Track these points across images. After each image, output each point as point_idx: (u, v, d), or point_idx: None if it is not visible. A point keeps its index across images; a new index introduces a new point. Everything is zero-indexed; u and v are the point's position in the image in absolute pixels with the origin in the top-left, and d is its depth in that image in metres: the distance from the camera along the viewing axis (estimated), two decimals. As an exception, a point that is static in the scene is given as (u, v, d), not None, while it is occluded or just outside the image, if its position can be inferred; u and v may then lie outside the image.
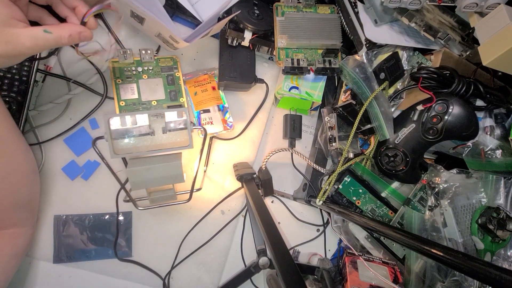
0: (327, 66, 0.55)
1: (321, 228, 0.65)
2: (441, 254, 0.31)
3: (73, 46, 0.41)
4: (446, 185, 0.53)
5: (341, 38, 0.55)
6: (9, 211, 0.44)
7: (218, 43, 0.56)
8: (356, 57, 0.54)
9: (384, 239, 0.58)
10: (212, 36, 0.57)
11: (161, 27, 0.44)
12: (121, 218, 0.55)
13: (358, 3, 0.54)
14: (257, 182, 0.56)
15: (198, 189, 0.56)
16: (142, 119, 0.47)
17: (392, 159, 0.52)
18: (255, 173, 0.57)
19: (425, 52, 0.56)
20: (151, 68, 0.55)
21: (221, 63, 0.56)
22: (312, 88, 0.59)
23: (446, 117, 0.48)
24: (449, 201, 0.52)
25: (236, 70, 0.56)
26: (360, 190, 0.57)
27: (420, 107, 0.51)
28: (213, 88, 0.57)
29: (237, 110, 0.61)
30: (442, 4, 0.48)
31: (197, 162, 0.53)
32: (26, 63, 0.48)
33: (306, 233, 0.64)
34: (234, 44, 0.55)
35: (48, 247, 0.52)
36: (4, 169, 0.41)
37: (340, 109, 0.55)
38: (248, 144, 0.62)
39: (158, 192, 0.51)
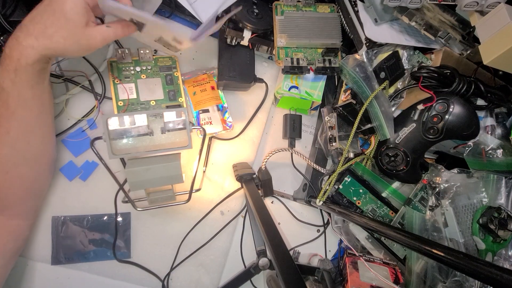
0: (327, 65, 0.55)
1: (322, 229, 0.64)
2: (442, 254, 0.31)
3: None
4: (447, 185, 0.53)
5: (341, 37, 0.55)
6: (24, 196, 0.45)
7: (217, 42, 0.56)
8: (356, 56, 0.54)
9: (384, 239, 0.58)
10: (211, 35, 0.57)
11: (164, 30, 0.44)
12: (119, 219, 0.55)
13: (358, 2, 0.54)
14: (256, 183, 0.56)
15: (198, 190, 0.56)
16: (141, 119, 0.47)
17: (392, 159, 0.52)
18: (254, 174, 0.57)
19: (425, 51, 0.56)
20: (149, 67, 0.54)
21: (220, 62, 0.55)
22: (312, 87, 0.59)
23: (446, 116, 0.48)
24: (450, 201, 0.52)
25: (236, 70, 0.56)
26: (361, 190, 0.57)
27: (420, 107, 0.50)
28: (212, 88, 0.57)
29: (237, 110, 0.61)
30: (442, 3, 0.48)
31: (196, 163, 0.52)
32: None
33: (306, 233, 0.64)
34: (233, 44, 0.55)
35: (46, 248, 0.52)
36: (35, 151, 0.44)
37: (340, 108, 0.55)
38: (247, 144, 0.62)
39: (157, 193, 0.51)
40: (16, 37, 0.37)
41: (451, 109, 0.48)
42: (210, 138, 0.59)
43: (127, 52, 0.53)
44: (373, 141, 0.55)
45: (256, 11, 0.54)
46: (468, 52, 0.52)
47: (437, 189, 0.54)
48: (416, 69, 0.53)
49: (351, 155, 0.55)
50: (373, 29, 0.53)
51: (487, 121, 0.52)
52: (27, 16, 0.38)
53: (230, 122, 0.57)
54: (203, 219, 0.58)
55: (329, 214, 0.62)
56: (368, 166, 0.57)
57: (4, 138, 0.40)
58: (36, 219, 0.51)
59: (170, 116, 0.48)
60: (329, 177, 0.55)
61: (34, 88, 0.40)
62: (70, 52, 0.39)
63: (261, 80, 0.59)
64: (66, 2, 0.36)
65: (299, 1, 0.57)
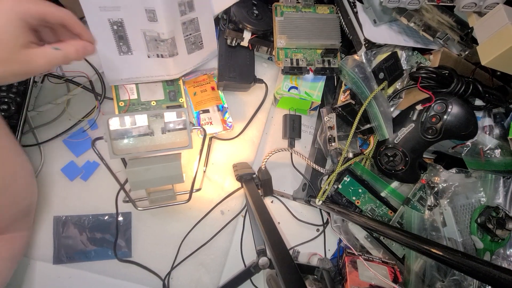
0: (326, 66, 0.55)
1: (321, 228, 0.65)
2: (441, 253, 0.31)
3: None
4: (445, 185, 0.53)
5: (340, 38, 0.55)
6: (10, 219, 0.44)
7: (217, 43, 0.56)
8: (355, 57, 0.54)
9: (383, 238, 0.58)
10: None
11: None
12: (120, 218, 0.55)
13: (357, 3, 0.54)
14: (256, 182, 0.56)
15: (198, 190, 0.56)
16: (141, 120, 0.47)
17: (391, 158, 0.52)
18: (254, 173, 0.57)
19: (424, 51, 0.56)
20: (150, 68, 0.55)
21: (220, 63, 0.56)
22: (312, 88, 0.59)
23: (445, 116, 0.48)
24: (448, 200, 0.52)
25: (236, 70, 0.56)
26: (360, 190, 0.57)
27: (419, 107, 0.51)
28: (213, 88, 0.57)
29: (237, 110, 0.61)
30: (441, 4, 0.48)
31: (197, 163, 0.53)
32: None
33: (306, 233, 0.64)
34: (233, 44, 0.55)
35: (47, 248, 0.52)
36: (5, 179, 0.41)
37: (340, 109, 0.55)
38: (247, 144, 0.62)
39: (157, 193, 0.51)
40: None
41: (449, 110, 0.48)
42: (210, 138, 0.59)
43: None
44: (372, 141, 0.56)
45: (256, 12, 0.54)
46: (467, 52, 0.53)
47: (436, 189, 0.54)
48: (414, 69, 0.53)
49: (350, 155, 0.55)
50: (372, 30, 0.53)
51: (485, 121, 0.53)
52: None
53: (230, 122, 0.57)
54: (204, 218, 0.58)
55: (329, 214, 0.63)
56: (367, 166, 0.57)
57: None
58: (37, 220, 0.51)
59: (170, 116, 0.48)
60: (328, 177, 0.55)
61: None
62: (2, 80, 0.33)
63: (261, 81, 0.60)
64: None
65: (298, 2, 0.57)
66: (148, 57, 0.50)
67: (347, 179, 0.57)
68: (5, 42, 0.31)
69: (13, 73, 0.33)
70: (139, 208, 0.51)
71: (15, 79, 0.35)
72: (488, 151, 0.50)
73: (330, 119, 0.56)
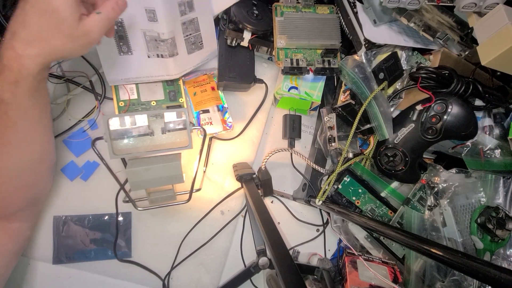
0: (326, 66, 0.55)
1: (321, 228, 0.65)
2: (441, 253, 0.31)
3: None
4: (445, 185, 0.53)
5: (340, 38, 0.55)
6: (26, 202, 0.45)
7: (217, 43, 0.56)
8: (355, 57, 0.54)
9: (383, 239, 0.58)
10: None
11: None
12: (120, 218, 0.55)
13: (357, 3, 0.54)
14: (256, 182, 0.56)
15: (198, 190, 0.56)
16: (141, 120, 0.47)
17: (391, 159, 0.52)
18: (254, 173, 0.57)
19: (424, 52, 0.56)
20: (150, 68, 0.55)
21: (220, 63, 0.56)
22: (312, 88, 0.59)
23: (445, 117, 0.48)
24: (448, 200, 0.52)
25: (236, 71, 0.56)
26: (360, 190, 0.57)
27: (419, 107, 0.51)
28: (213, 89, 0.57)
29: (237, 110, 0.61)
30: (440, 4, 0.48)
31: (197, 163, 0.53)
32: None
33: (306, 233, 0.64)
34: (233, 45, 0.55)
35: (47, 248, 0.52)
36: (36, 158, 0.43)
37: (340, 109, 0.55)
38: (247, 144, 0.62)
39: (157, 193, 0.51)
40: (11, 46, 0.34)
41: (449, 110, 0.48)
42: (210, 138, 0.59)
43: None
44: (372, 141, 0.56)
45: (256, 12, 0.54)
46: (467, 53, 0.53)
47: (436, 189, 0.54)
48: (414, 69, 0.53)
49: (350, 155, 0.55)
50: (372, 30, 0.53)
51: (485, 121, 0.53)
52: (14, 21, 0.34)
53: (230, 122, 0.57)
54: (204, 218, 0.58)
55: (329, 214, 0.63)
56: (367, 166, 0.57)
57: (5, 148, 0.39)
58: (37, 220, 0.51)
59: (170, 116, 0.48)
60: (328, 177, 0.55)
61: (35, 97, 0.38)
62: (70, 53, 0.36)
63: (261, 81, 0.60)
64: None
65: (298, 2, 0.57)
66: (148, 57, 0.50)
67: (347, 179, 0.57)
68: (67, 19, 0.33)
69: (79, 44, 0.36)
70: (139, 208, 0.51)
71: (82, 51, 0.37)
72: (488, 151, 0.50)
73: (330, 119, 0.56)
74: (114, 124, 0.46)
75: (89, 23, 0.35)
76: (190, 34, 0.50)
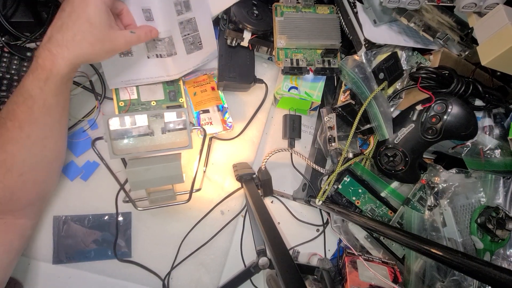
0: (326, 66, 0.55)
1: (321, 228, 0.65)
2: (441, 253, 0.31)
3: None
4: (445, 185, 0.53)
5: (340, 38, 0.55)
6: (35, 198, 0.46)
7: (217, 43, 0.56)
8: (355, 57, 0.54)
9: (383, 239, 0.58)
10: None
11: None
12: (120, 218, 0.55)
13: (357, 3, 0.54)
14: (256, 183, 0.56)
15: (198, 190, 0.56)
16: (141, 120, 0.47)
17: (391, 159, 0.52)
18: (254, 173, 0.57)
19: (424, 52, 0.56)
20: (150, 68, 0.55)
21: (220, 63, 0.56)
22: (312, 88, 0.59)
23: (445, 117, 0.48)
24: (448, 200, 0.52)
25: (236, 71, 0.56)
26: (360, 190, 0.57)
27: (419, 107, 0.51)
28: (213, 89, 0.57)
29: (237, 110, 0.61)
30: (441, 4, 0.48)
31: (197, 163, 0.53)
32: (25, 64, 0.48)
33: (306, 233, 0.64)
34: (233, 45, 0.55)
35: (47, 247, 0.52)
36: (50, 156, 0.44)
37: (340, 109, 0.55)
38: (247, 144, 0.62)
39: (157, 193, 0.51)
40: (48, 48, 0.37)
41: (449, 110, 0.48)
42: (210, 138, 0.59)
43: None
44: (372, 141, 0.56)
45: (256, 12, 0.54)
46: (467, 53, 0.53)
47: (436, 189, 0.54)
48: (414, 70, 0.53)
49: (350, 155, 0.55)
50: (372, 30, 0.53)
51: (485, 121, 0.53)
52: (52, 27, 0.38)
53: (230, 122, 0.57)
54: (203, 218, 0.58)
55: (329, 214, 0.63)
56: (367, 166, 0.57)
57: (24, 141, 0.40)
58: (39, 219, 0.51)
59: (170, 116, 0.48)
60: (328, 177, 0.55)
61: (59, 96, 0.41)
62: (98, 57, 0.41)
63: (261, 81, 0.60)
64: (88, 6, 0.37)
65: (298, 2, 0.57)
66: (148, 57, 0.50)
67: (347, 179, 0.57)
68: (99, 25, 0.38)
69: (106, 50, 0.40)
70: (139, 208, 0.51)
71: (106, 56, 0.42)
72: (488, 151, 0.50)
73: (330, 119, 0.56)
74: (114, 124, 0.46)
75: (119, 34, 0.40)
76: (188, 34, 0.50)
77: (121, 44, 0.41)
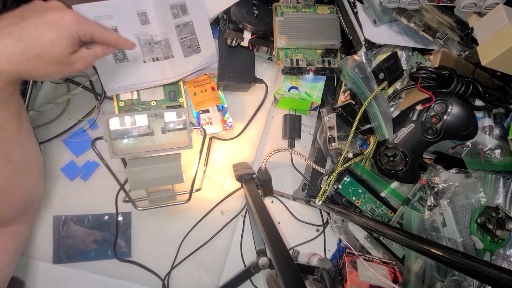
0: (326, 66, 0.55)
1: (321, 228, 0.65)
2: (441, 253, 0.31)
3: None
4: (445, 185, 0.53)
5: (340, 38, 0.55)
6: (21, 208, 0.44)
7: (217, 43, 0.56)
8: (355, 57, 0.54)
9: (383, 239, 0.58)
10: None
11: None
12: (120, 218, 0.55)
13: (357, 3, 0.54)
14: (256, 182, 0.56)
15: (198, 190, 0.56)
16: (141, 120, 0.47)
17: (391, 159, 0.52)
18: (254, 173, 0.57)
19: (424, 52, 0.56)
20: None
21: (220, 63, 0.56)
22: (312, 88, 0.59)
23: (445, 117, 0.48)
24: (448, 200, 0.52)
25: (236, 71, 0.56)
26: (360, 190, 0.57)
27: (419, 107, 0.51)
28: (213, 89, 0.57)
29: (237, 110, 0.61)
30: (441, 4, 0.48)
31: (197, 163, 0.53)
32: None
33: (306, 233, 0.64)
34: (233, 45, 0.55)
35: (47, 247, 0.52)
36: (22, 167, 0.42)
37: (340, 109, 0.55)
38: (247, 144, 0.62)
39: (157, 193, 0.51)
40: None
41: (449, 110, 0.48)
42: (210, 138, 0.59)
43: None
44: (372, 141, 0.56)
45: (256, 12, 0.54)
46: (467, 53, 0.53)
47: (436, 189, 0.54)
48: (414, 70, 0.53)
49: (350, 155, 0.55)
50: (372, 30, 0.53)
51: (485, 121, 0.53)
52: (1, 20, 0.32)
53: (230, 122, 0.57)
54: (203, 218, 0.58)
55: (329, 214, 0.63)
56: (367, 166, 0.57)
57: None
58: (37, 219, 0.51)
59: (170, 116, 0.48)
60: (328, 177, 0.55)
61: (8, 110, 0.36)
62: (47, 78, 0.38)
63: (261, 81, 0.60)
64: (59, 29, 0.34)
65: (298, 2, 0.57)
66: (144, 62, 0.50)
67: (347, 179, 0.57)
68: (60, 50, 0.35)
69: (59, 71, 0.37)
70: (139, 208, 0.51)
71: (58, 77, 0.39)
72: (488, 152, 0.50)
73: (330, 119, 0.56)
74: (114, 124, 0.46)
75: (78, 57, 0.38)
76: (186, 37, 0.50)
77: (78, 67, 0.38)
